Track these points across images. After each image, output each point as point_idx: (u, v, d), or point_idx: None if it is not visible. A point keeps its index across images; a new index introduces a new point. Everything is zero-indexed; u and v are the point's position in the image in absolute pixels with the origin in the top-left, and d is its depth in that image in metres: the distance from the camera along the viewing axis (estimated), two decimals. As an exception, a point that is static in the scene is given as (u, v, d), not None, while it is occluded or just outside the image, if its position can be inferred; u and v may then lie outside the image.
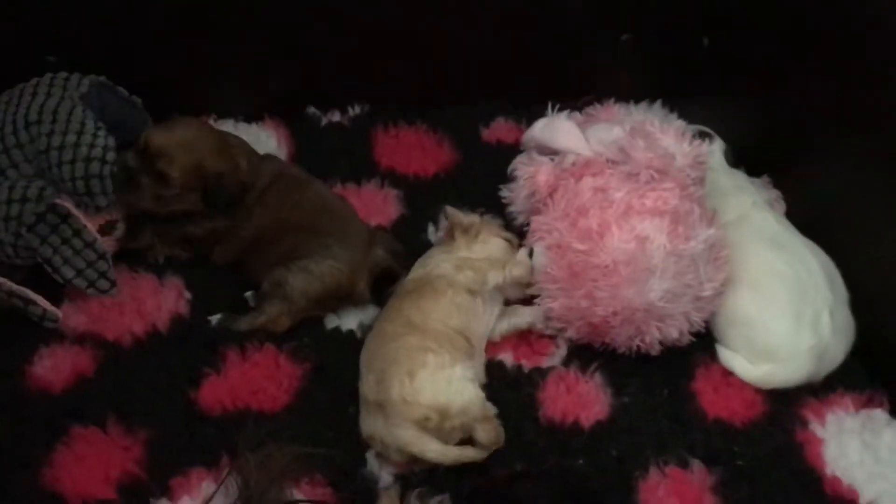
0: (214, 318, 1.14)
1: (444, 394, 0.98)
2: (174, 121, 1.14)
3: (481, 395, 1.01)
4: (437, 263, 1.13)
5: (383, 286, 1.17)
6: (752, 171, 1.32)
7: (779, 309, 1.11)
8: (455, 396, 0.99)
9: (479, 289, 1.10)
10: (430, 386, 0.98)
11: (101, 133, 1.12)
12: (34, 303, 1.07)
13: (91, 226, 1.08)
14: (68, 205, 1.06)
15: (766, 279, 1.13)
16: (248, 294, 1.17)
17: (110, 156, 1.10)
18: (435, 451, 0.97)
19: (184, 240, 1.18)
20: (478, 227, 1.17)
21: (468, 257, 1.13)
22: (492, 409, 1.02)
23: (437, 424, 0.98)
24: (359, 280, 1.14)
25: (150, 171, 1.09)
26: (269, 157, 1.22)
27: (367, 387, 1.02)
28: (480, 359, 1.09)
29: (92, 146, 1.10)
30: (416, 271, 1.14)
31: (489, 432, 1.00)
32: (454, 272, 1.10)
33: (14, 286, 1.05)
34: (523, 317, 1.14)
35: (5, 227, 1.05)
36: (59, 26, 1.27)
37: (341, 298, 1.15)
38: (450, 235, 1.17)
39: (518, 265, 1.12)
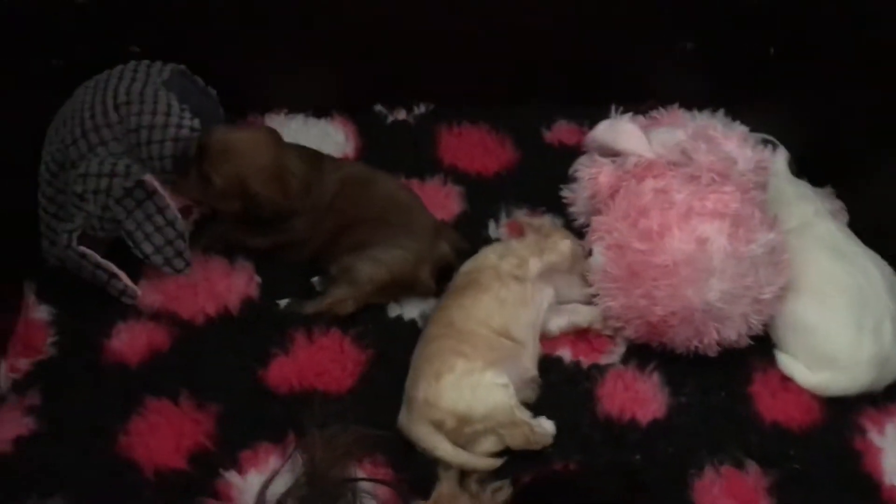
0: (283, 303, 1.18)
1: (464, 401, 1.00)
2: (247, 128, 1.16)
3: (509, 401, 1.01)
4: (485, 255, 1.15)
5: (445, 279, 1.19)
6: (816, 181, 1.31)
7: (839, 317, 1.11)
8: (477, 404, 1.00)
9: (524, 275, 1.11)
10: (452, 391, 1.00)
11: (187, 115, 1.17)
12: (117, 277, 1.11)
13: (174, 204, 1.12)
14: (155, 182, 1.10)
15: (827, 287, 1.13)
16: (316, 279, 1.20)
17: (196, 136, 1.14)
18: (445, 450, 1.00)
19: (248, 248, 1.21)
20: (548, 229, 1.20)
21: (510, 243, 1.15)
22: (524, 414, 1.02)
23: (455, 428, 1.00)
24: (422, 270, 1.16)
25: (199, 166, 1.12)
26: (331, 161, 1.22)
27: (407, 381, 1.06)
28: (533, 350, 1.10)
29: (179, 127, 1.14)
30: (467, 264, 1.17)
31: (516, 438, 1.01)
32: (498, 260, 1.12)
33: (100, 259, 1.10)
34: (583, 315, 1.15)
35: (94, 199, 1.10)
36: (142, 18, 1.32)
37: (405, 287, 1.17)
38: (517, 232, 1.20)
39: (554, 251, 1.14)
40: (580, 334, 1.17)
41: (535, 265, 1.13)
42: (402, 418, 1.04)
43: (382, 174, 1.24)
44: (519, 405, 1.02)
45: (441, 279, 1.19)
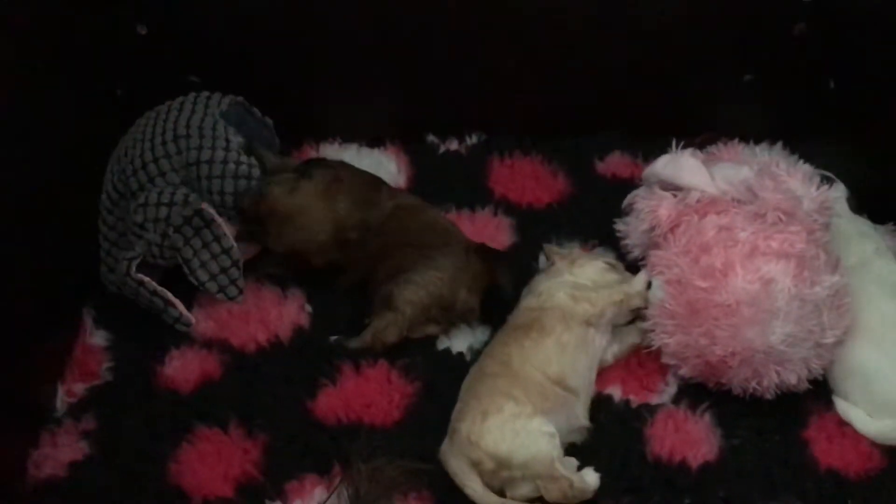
0: (332, 339, 1.18)
1: (506, 444, 0.98)
2: (306, 187, 1.18)
3: (552, 452, 0.99)
4: (550, 293, 1.13)
5: (491, 301, 1.18)
6: (876, 218, 1.28)
7: (900, 361, 1.08)
8: (518, 450, 0.98)
9: (596, 322, 1.10)
10: (496, 433, 0.99)
11: (244, 155, 1.20)
12: (173, 305, 1.13)
13: (230, 233, 1.14)
14: (213, 211, 1.13)
15: (887, 329, 1.10)
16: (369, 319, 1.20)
17: (255, 172, 1.17)
18: (474, 490, 0.99)
19: (300, 271, 1.23)
20: (575, 253, 1.19)
21: (581, 284, 1.14)
22: (566, 469, 0.99)
23: (492, 471, 0.99)
24: (460, 288, 1.16)
25: (263, 227, 1.18)
26: (389, 190, 1.25)
27: (454, 411, 1.05)
28: (586, 397, 1.08)
29: (238, 163, 1.17)
30: (528, 300, 1.15)
31: (552, 492, 0.98)
32: (571, 303, 1.11)
33: (158, 287, 1.12)
34: (632, 335, 1.14)
35: (154, 228, 1.12)
36: (201, 49, 1.35)
37: (446, 308, 1.17)
38: (551, 263, 1.19)
39: (636, 296, 1.12)
40: (630, 371, 1.15)
41: (610, 313, 1.11)
42: (444, 447, 1.03)
43: (431, 207, 1.26)
44: (562, 458, 1.00)
45: (486, 300, 1.18)
